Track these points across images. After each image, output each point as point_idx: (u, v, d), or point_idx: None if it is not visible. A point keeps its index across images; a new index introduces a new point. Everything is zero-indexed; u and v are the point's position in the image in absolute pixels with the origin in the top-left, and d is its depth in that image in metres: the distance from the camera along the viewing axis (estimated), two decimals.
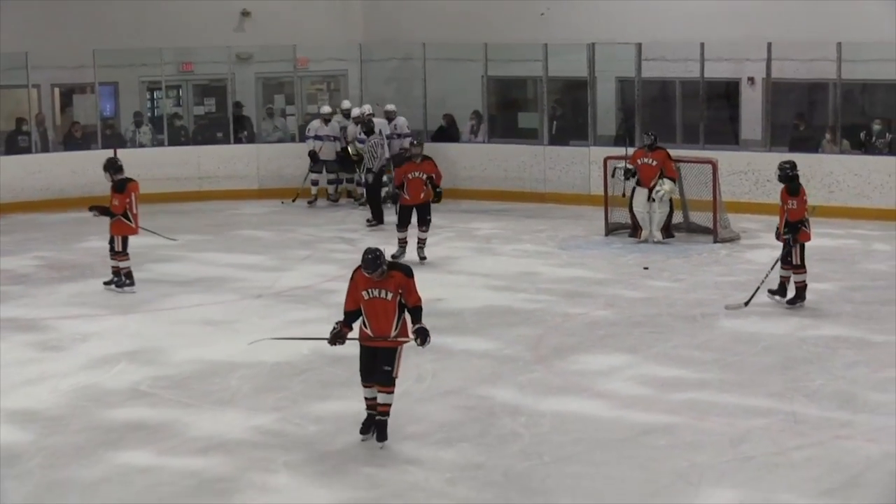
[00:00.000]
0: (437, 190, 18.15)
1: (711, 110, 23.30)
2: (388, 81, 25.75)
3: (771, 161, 20.98)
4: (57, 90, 25.48)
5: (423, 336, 10.43)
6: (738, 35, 21.99)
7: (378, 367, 10.42)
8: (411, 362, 12.96)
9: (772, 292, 15.23)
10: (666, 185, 18.88)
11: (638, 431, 10.92)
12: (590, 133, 23.60)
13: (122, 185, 16.41)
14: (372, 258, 10.24)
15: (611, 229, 20.02)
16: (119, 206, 16.33)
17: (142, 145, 24.75)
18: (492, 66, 24.49)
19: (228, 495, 9.67)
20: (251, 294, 16.35)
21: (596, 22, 23.88)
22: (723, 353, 13.27)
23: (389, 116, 23.52)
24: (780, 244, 15.12)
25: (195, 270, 17.92)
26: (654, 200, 18.96)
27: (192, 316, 15.29)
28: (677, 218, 19.62)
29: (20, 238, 20.33)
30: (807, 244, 15.05)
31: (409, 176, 17.93)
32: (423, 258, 17.94)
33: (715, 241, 19.07)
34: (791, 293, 15.13)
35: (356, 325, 10.52)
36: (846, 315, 14.78)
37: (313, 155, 23.47)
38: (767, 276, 15.14)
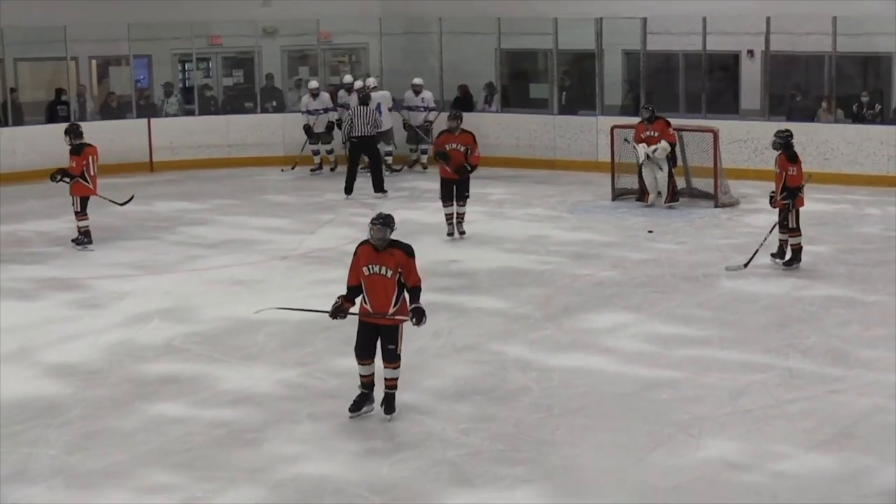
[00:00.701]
0: (465, 164, 16.88)
1: (713, 81, 23.30)
2: (406, 54, 25.70)
3: (769, 130, 20.73)
4: (94, 62, 25.51)
5: (419, 316, 9.95)
6: (738, 9, 21.89)
7: (383, 346, 10.04)
8: (429, 320, 13.01)
9: (773, 255, 15.22)
10: (662, 143, 18.84)
11: (642, 386, 10.94)
12: (597, 103, 23.56)
13: (79, 149, 16.99)
14: (385, 215, 10.00)
15: (617, 194, 20.00)
16: (76, 168, 16.88)
17: (167, 114, 24.72)
18: (504, 40, 24.44)
19: (256, 444, 9.71)
20: (277, 255, 16.39)
21: None
22: (723, 312, 13.28)
23: (416, 90, 23.50)
24: (776, 209, 15.07)
25: (224, 233, 17.96)
26: (649, 157, 18.89)
27: (221, 276, 15.33)
28: (680, 184, 19.56)
29: (59, 202, 20.31)
30: (801, 209, 15.01)
31: (447, 147, 16.95)
32: (461, 233, 17.09)
33: (716, 206, 19.04)
34: (787, 255, 15.12)
35: (358, 300, 10.17)
36: (840, 276, 14.77)
37: (308, 129, 23.17)
38: (766, 239, 15.10)
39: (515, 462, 9.32)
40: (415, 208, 19.07)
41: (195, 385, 11.07)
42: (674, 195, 19.21)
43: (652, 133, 18.88)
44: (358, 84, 22.84)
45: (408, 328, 10.11)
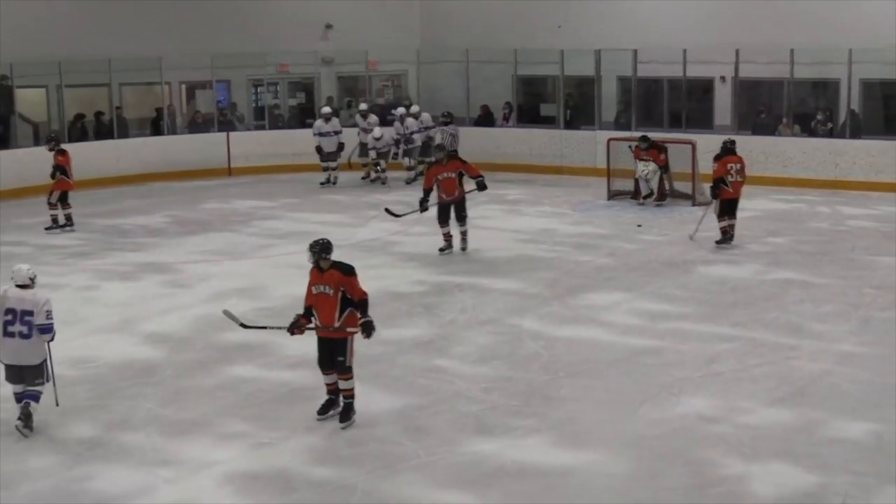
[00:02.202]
0: (477, 179, 15.34)
1: (691, 102, 23.20)
2: (439, 79, 25.62)
3: (738, 142, 20.84)
4: (183, 86, 25.50)
5: (367, 329, 9.03)
6: (712, 42, 21.80)
7: (333, 359, 9.17)
8: (456, 298, 13.04)
9: (717, 242, 15.67)
10: (650, 166, 19.06)
11: (632, 353, 10.92)
12: (596, 120, 23.50)
13: (62, 151, 17.58)
14: (319, 241, 9.33)
15: (612, 195, 19.94)
16: (64, 160, 17.46)
17: (242, 128, 24.75)
18: (520, 67, 24.45)
19: (313, 400, 9.69)
20: (333, 245, 16.33)
21: (602, 32, 23.73)
22: (699, 292, 13.22)
23: (414, 115, 22.30)
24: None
25: (290, 226, 17.95)
26: (643, 178, 19.11)
27: (287, 261, 15.25)
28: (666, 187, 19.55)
29: (156, 201, 20.45)
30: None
31: (440, 177, 15.19)
32: (463, 249, 15.47)
33: (693, 205, 18.89)
34: (718, 236, 15.66)
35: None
36: (795, 263, 14.67)
37: (319, 149, 22.05)
38: (704, 216, 16.06)
39: (527, 415, 9.32)
40: None
41: (264, 351, 11.07)
42: (662, 196, 19.19)
43: (646, 158, 19.05)
44: (415, 108, 22.50)
45: (361, 342, 9.34)
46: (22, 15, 22.19)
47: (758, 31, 21.82)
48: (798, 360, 10.61)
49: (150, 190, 21.71)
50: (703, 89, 23.78)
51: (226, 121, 24.69)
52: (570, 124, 24.05)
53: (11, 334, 9.03)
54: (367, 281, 12.85)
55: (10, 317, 9.04)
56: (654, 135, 19.71)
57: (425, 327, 11.96)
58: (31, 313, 9.03)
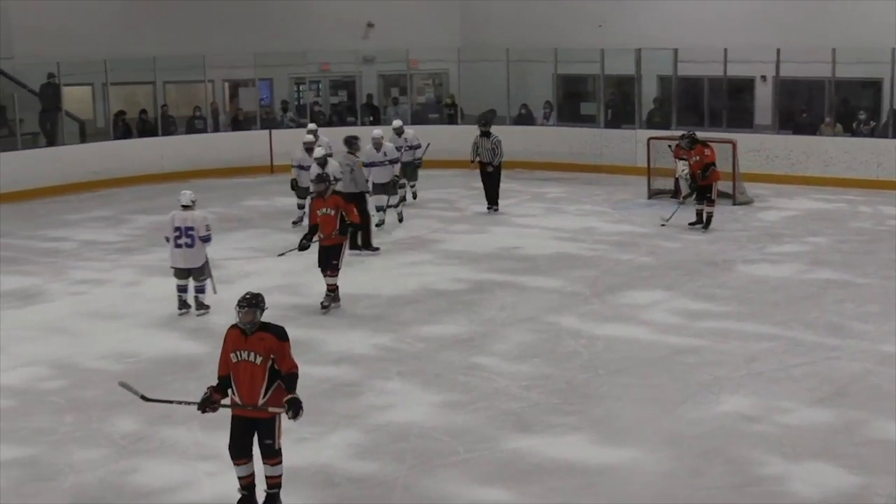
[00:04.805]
0: (347, 223, 12.72)
1: (732, 101, 23.04)
2: (480, 77, 25.61)
3: (779, 142, 20.93)
4: (226, 84, 25.65)
5: (294, 409, 7.29)
6: (753, 42, 21.68)
7: (260, 441, 7.49)
8: (496, 296, 13.02)
9: (691, 224, 16.72)
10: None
11: (672, 351, 10.87)
12: (636, 119, 23.40)
13: None
14: (254, 295, 7.69)
15: (652, 194, 19.85)
16: None
17: (288, 126, 24.77)
18: (560, 66, 24.33)
19: (355, 396, 9.75)
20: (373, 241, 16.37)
21: (642, 31, 23.67)
22: (739, 291, 13.14)
23: (398, 132, 19.07)
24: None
25: None
26: (683, 178, 18.74)
27: None
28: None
29: (199, 198, 20.35)
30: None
31: (319, 213, 12.70)
32: (324, 306, 12.62)
33: (734, 204, 18.76)
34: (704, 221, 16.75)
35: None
36: (836, 262, 14.56)
37: (294, 183, 17.80)
38: (683, 201, 17.32)
39: (567, 413, 9.30)
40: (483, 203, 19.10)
41: (306, 347, 11.02)
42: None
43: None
44: (396, 124, 19.43)
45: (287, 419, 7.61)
46: (68, 14, 22.50)
47: (799, 30, 21.70)
48: (839, 360, 10.53)
49: (192, 187, 21.53)
50: (743, 88, 23.63)
51: (269, 118, 24.78)
52: (610, 123, 23.98)
53: (180, 245, 12.28)
54: (408, 278, 12.98)
55: (177, 233, 12.28)
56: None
57: (465, 324, 11.96)
58: (192, 228, 12.29)
